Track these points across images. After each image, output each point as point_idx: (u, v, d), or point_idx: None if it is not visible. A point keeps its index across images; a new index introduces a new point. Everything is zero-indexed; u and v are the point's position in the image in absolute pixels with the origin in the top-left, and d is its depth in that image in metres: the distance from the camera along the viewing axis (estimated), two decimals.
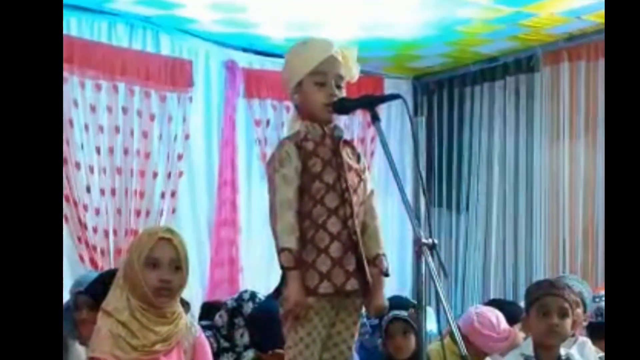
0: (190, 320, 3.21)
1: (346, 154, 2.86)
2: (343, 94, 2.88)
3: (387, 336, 4.29)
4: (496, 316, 4.29)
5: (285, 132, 6.49)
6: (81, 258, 5.75)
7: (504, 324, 4.26)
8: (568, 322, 3.45)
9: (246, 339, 3.73)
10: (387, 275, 2.86)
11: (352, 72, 2.92)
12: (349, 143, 2.93)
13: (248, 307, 3.77)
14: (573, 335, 3.85)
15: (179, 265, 3.05)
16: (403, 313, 4.26)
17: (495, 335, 4.21)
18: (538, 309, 3.47)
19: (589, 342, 4.05)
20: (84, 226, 5.77)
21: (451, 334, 3.00)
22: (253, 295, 3.84)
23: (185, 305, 3.96)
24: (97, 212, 5.87)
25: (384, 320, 4.27)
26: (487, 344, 4.20)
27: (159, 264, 3.01)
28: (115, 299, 3.01)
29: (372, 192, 2.92)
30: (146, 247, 3.02)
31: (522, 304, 4.11)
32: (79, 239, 5.76)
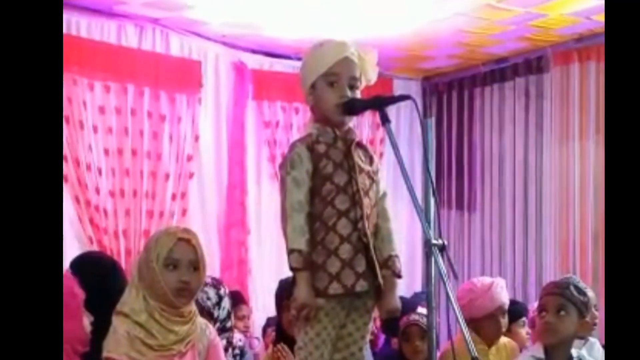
0: (205, 322, 3.21)
1: (358, 156, 2.84)
2: (357, 96, 2.86)
3: (403, 338, 4.24)
4: (471, 282, 4.27)
5: (295, 134, 6.54)
6: None
7: (480, 282, 4.22)
8: (567, 320, 3.34)
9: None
10: (399, 276, 2.85)
11: (369, 75, 2.91)
12: (362, 145, 2.91)
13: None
14: (582, 338, 3.81)
15: (197, 266, 3.05)
16: (423, 318, 4.17)
17: (475, 296, 4.12)
18: (539, 310, 3.45)
19: (597, 342, 4.04)
20: (96, 227, 5.77)
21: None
22: None
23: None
24: (106, 212, 5.86)
25: (404, 322, 4.21)
26: (475, 308, 4.09)
27: (178, 265, 3.01)
28: (132, 299, 3.00)
29: (384, 194, 2.89)
30: (165, 248, 3.01)
31: (536, 304, 4.09)
32: (90, 240, 5.76)
